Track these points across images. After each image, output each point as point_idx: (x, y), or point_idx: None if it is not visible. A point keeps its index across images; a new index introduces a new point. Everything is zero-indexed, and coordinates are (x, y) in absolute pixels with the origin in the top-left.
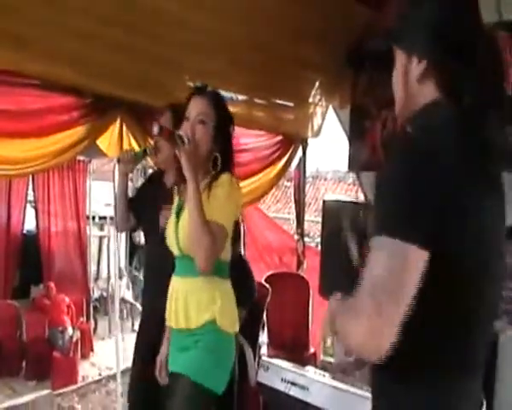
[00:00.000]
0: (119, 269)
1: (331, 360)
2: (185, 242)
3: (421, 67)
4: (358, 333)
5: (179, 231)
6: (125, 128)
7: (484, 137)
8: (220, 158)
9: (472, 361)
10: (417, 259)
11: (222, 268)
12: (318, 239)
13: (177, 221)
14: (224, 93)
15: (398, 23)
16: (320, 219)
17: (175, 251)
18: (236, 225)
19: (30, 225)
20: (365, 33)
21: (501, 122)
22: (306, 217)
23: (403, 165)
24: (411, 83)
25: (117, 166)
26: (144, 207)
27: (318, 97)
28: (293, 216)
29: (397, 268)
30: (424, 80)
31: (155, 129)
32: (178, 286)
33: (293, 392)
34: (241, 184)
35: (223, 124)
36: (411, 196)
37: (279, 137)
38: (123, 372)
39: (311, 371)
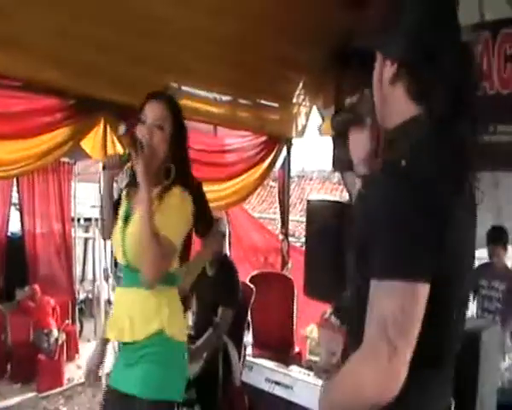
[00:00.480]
0: (105, 271)
1: (317, 358)
2: (132, 251)
3: (392, 69)
4: (377, 379)
5: (126, 239)
6: (109, 129)
7: (460, 152)
8: (175, 168)
9: (451, 351)
10: (424, 292)
11: (168, 278)
12: (304, 239)
13: (125, 228)
14: (208, 93)
15: (376, 25)
16: (305, 219)
17: (120, 260)
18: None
19: (14, 227)
20: (349, 34)
21: (473, 130)
22: (292, 217)
23: (400, 202)
24: (384, 85)
25: (102, 172)
26: None
27: (302, 98)
28: (278, 216)
29: (407, 308)
30: (395, 83)
31: (121, 129)
32: (122, 298)
33: (278, 391)
34: (226, 184)
35: (179, 131)
36: (412, 234)
37: (263, 138)
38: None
39: (295, 370)
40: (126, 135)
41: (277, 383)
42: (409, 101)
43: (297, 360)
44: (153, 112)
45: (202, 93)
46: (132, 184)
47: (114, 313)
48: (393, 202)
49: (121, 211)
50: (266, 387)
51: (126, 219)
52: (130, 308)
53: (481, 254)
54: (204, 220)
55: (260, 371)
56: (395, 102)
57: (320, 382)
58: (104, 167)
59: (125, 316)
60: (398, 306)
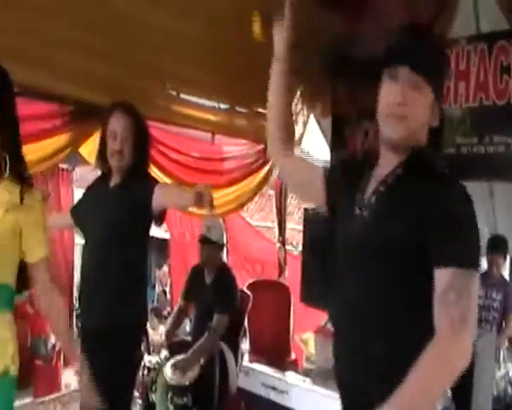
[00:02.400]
0: None
1: (313, 366)
2: None
3: (438, 116)
4: (465, 353)
5: None
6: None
7: None
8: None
9: None
10: None
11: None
12: (300, 248)
13: None
14: (206, 102)
15: (436, 62)
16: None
17: None
18: None
19: None
20: (347, 42)
21: None
22: (290, 225)
23: (470, 208)
24: (428, 125)
25: None
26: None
27: (299, 106)
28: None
29: (476, 294)
30: None
31: None
32: None
33: (274, 397)
34: (224, 191)
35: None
36: (478, 235)
37: (261, 146)
38: None
39: (291, 376)
40: None
41: (273, 389)
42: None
43: (294, 366)
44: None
45: (200, 101)
46: None
47: None
48: (470, 203)
49: None
50: (262, 392)
51: None
52: None
53: None
54: None
55: (256, 377)
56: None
57: (316, 388)
58: None
59: None
60: (474, 293)
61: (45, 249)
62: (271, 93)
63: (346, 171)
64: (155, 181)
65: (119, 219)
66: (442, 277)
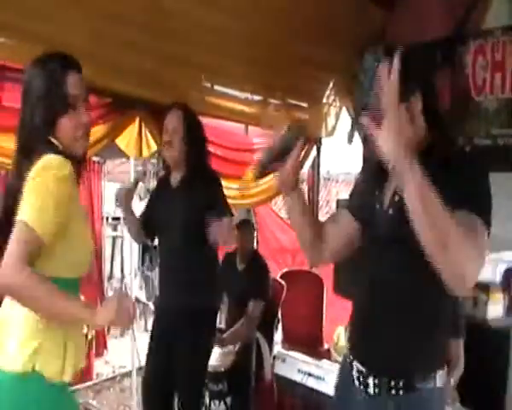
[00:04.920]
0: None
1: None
2: None
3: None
4: (473, 265)
5: None
6: (144, 127)
7: None
8: None
9: None
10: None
11: None
12: None
13: None
14: (239, 93)
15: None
16: None
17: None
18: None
19: None
20: (380, 34)
21: None
22: (319, 218)
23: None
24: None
25: (117, 189)
26: (155, 216)
27: (332, 98)
28: None
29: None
30: None
31: None
32: None
33: (310, 382)
34: (255, 183)
35: None
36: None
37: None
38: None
39: (326, 363)
40: None
41: (310, 375)
42: None
43: (326, 356)
44: None
45: (234, 92)
46: None
47: None
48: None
49: None
50: (298, 378)
51: None
52: None
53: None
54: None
55: (293, 363)
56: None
57: None
58: (117, 200)
59: None
60: (483, 236)
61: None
62: (291, 221)
63: (365, 177)
64: (216, 182)
65: (190, 219)
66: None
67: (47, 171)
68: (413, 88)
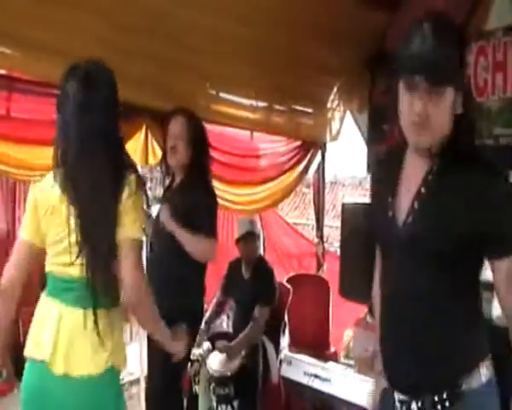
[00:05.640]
0: None
1: (351, 362)
2: None
3: (461, 102)
4: None
5: None
6: (150, 135)
7: None
8: None
9: None
10: None
11: None
12: (336, 244)
13: None
14: (244, 100)
15: (442, 61)
16: (338, 225)
17: None
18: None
19: None
20: (383, 37)
21: None
22: (325, 222)
23: None
24: (455, 111)
25: None
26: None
27: (336, 102)
28: (311, 222)
29: None
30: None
31: None
32: None
33: (317, 384)
34: (260, 188)
35: None
36: None
37: (298, 143)
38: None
39: (332, 365)
40: None
41: (316, 377)
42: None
43: (333, 359)
44: None
45: (239, 99)
46: None
47: None
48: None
49: None
50: (305, 380)
51: None
52: None
53: None
54: None
55: (299, 365)
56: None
57: (358, 376)
58: None
59: None
60: None
61: None
62: None
63: (380, 178)
64: (209, 192)
65: (182, 215)
66: (502, 265)
67: (139, 189)
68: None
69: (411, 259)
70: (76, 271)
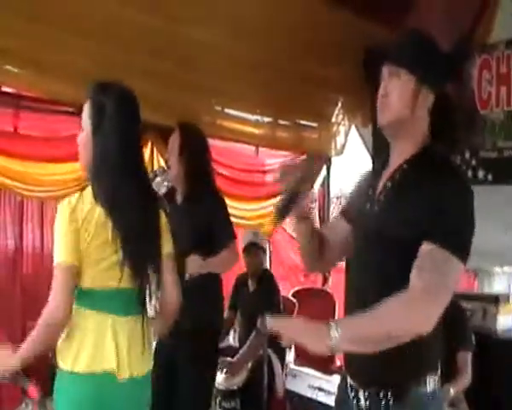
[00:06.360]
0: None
1: None
2: None
3: (431, 99)
4: (424, 324)
5: None
6: (155, 151)
7: None
8: None
9: None
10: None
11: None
12: None
13: None
14: (249, 115)
15: (409, 47)
16: None
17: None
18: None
19: None
20: (377, 49)
21: None
22: None
23: (468, 199)
24: (419, 108)
25: None
26: None
27: (341, 117)
28: None
29: (455, 279)
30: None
31: None
32: None
33: (321, 398)
34: (266, 203)
35: None
36: (472, 226)
37: (303, 157)
38: None
39: (337, 378)
40: None
41: (320, 390)
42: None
43: (339, 372)
44: None
45: (244, 115)
46: None
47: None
48: (469, 194)
49: None
50: (309, 393)
51: None
52: None
53: None
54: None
55: (303, 378)
56: (422, 125)
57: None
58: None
59: None
60: (451, 275)
61: None
62: (297, 238)
63: (364, 179)
64: (218, 202)
65: (190, 239)
66: (425, 249)
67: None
68: (424, 76)
69: (372, 250)
70: (125, 283)
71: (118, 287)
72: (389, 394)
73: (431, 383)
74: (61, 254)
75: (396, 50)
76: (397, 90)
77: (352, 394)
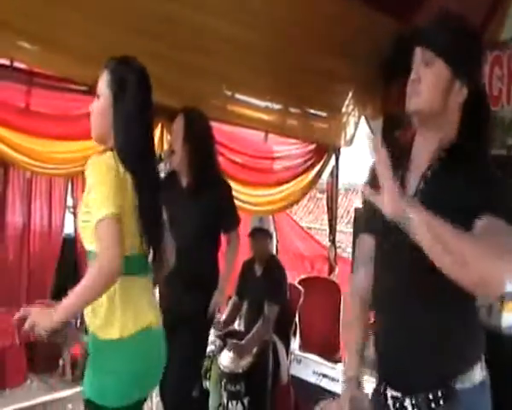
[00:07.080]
0: None
1: None
2: None
3: (464, 94)
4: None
5: None
6: (165, 133)
7: None
8: None
9: None
10: None
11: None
12: (349, 250)
13: None
14: (259, 101)
15: (447, 37)
16: (351, 231)
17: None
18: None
19: (68, 229)
20: (396, 44)
21: None
22: (338, 228)
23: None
24: (451, 101)
25: None
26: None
27: (351, 108)
28: (325, 227)
29: None
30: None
31: None
32: None
33: (325, 384)
34: (274, 190)
35: None
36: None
37: (312, 146)
38: None
39: (341, 366)
40: None
41: (325, 376)
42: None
43: (342, 360)
44: None
45: (254, 101)
46: None
47: None
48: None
49: None
50: (314, 379)
51: None
52: None
53: None
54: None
55: (308, 365)
56: (453, 119)
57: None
58: None
59: None
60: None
61: None
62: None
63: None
64: (223, 187)
65: (202, 220)
66: (482, 222)
67: None
68: (459, 71)
69: (403, 257)
70: (140, 249)
71: (138, 252)
72: (439, 394)
73: (479, 372)
74: (110, 206)
75: (433, 35)
76: (430, 78)
77: (397, 405)
